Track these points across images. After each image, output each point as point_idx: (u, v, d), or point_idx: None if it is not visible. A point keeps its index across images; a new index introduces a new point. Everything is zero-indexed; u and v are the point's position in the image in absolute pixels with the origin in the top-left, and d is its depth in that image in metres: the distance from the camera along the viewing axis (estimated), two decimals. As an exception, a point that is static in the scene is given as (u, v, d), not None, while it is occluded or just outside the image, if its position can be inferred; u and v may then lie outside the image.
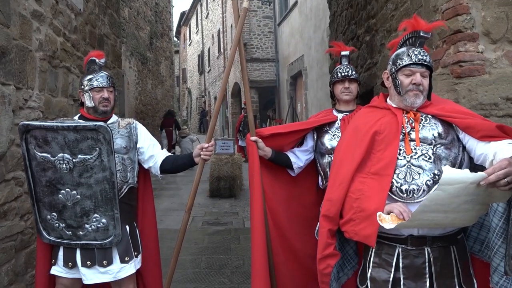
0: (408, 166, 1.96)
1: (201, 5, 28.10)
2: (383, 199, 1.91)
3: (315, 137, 2.92)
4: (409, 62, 2.00)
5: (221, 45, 22.22)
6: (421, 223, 1.79)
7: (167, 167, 2.69)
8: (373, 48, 4.58)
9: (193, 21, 31.32)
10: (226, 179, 8.31)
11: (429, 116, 2.05)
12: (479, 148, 1.93)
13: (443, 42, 2.86)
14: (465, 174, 1.56)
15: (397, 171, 1.96)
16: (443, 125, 2.01)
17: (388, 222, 1.79)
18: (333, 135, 2.84)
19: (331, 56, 6.93)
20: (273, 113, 17.71)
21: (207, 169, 8.64)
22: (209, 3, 25.58)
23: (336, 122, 2.88)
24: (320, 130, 2.90)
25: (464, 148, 2.02)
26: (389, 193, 1.94)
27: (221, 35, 22.12)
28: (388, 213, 1.85)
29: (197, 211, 7.19)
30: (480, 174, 1.56)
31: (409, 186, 1.92)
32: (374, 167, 2.00)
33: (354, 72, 2.88)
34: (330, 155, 2.80)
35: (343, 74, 2.87)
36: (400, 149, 1.99)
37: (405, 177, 1.94)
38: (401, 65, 2.03)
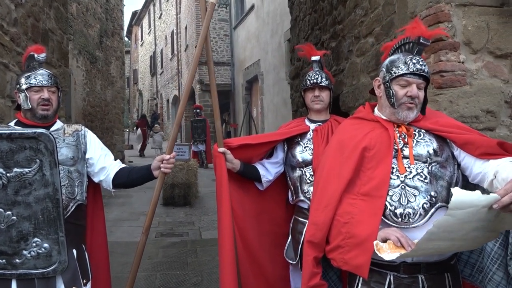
0: (403, 187, 1.76)
1: (154, 5, 27.36)
2: (376, 224, 1.71)
3: (286, 149, 2.69)
4: (406, 72, 1.81)
5: (175, 47, 21.69)
6: (425, 252, 1.60)
7: (121, 180, 2.36)
8: (339, 54, 4.44)
9: (145, 21, 30.45)
10: (180, 186, 7.92)
11: (422, 130, 1.87)
12: (476, 167, 1.78)
13: (422, 51, 2.72)
14: (477, 196, 1.37)
15: (390, 192, 1.76)
16: (437, 141, 1.84)
17: (386, 252, 1.58)
18: (305, 147, 2.62)
19: (292, 61, 6.78)
20: (228, 118, 17.46)
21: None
22: (163, 3, 24.95)
23: (308, 133, 2.66)
24: (291, 141, 2.67)
25: (458, 165, 1.86)
26: (382, 217, 1.73)
27: (175, 36, 21.60)
28: (384, 241, 1.64)
29: (150, 221, 6.75)
30: (492, 196, 1.39)
31: (404, 210, 1.73)
32: (364, 187, 1.79)
33: (325, 79, 2.67)
34: (301, 169, 2.59)
35: (312, 81, 2.66)
36: (393, 168, 1.80)
37: (399, 199, 1.74)
38: (396, 74, 1.83)
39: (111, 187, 2.37)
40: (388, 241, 1.65)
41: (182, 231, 6.32)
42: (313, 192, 2.00)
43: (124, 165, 2.44)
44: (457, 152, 1.84)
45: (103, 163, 2.35)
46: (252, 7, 14.07)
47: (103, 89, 12.57)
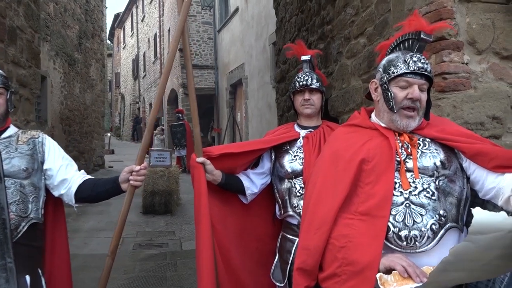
0: (407, 205, 1.51)
1: (136, 7, 26.92)
2: (378, 248, 1.45)
3: (273, 158, 2.42)
4: (406, 71, 1.58)
5: (158, 50, 21.32)
6: (438, 286, 1.34)
7: (85, 194, 2.06)
8: (328, 56, 4.20)
9: (128, 24, 29.96)
10: (161, 193, 7.59)
11: (427, 139, 1.63)
12: (489, 181, 1.55)
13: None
14: (502, 218, 1.12)
15: (393, 211, 1.51)
16: (445, 152, 1.60)
17: (392, 286, 1.32)
18: (294, 156, 2.35)
19: (277, 64, 6.54)
20: (211, 122, 17.16)
21: (140, 182, 7.88)
22: (146, 5, 24.54)
23: (298, 140, 2.40)
24: (279, 149, 2.40)
25: (467, 179, 1.62)
26: (384, 240, 1.48)
27: (158, 39, 21.23)
28: (388, 271, 1.38)
29: (128, 231, 6.40)
30: None
31: (409, 232, 1.48)
32: (363, 206, 1.54)
33: (316, 81, 2.42)
34: (290, 180, 2.32)
35: (302, 83, 2.40)
36: (395, 182, 1.55)
37: (404, 219, 1.49)
38: (395, 74, 1.59)
39: (74, 201, 2.07)
40: (393, 271, 1.40)
41: (162, 241, 5.99)
42: (304, 210, 1.73)
43: (88, 177, 2.14)
44: (466, 164, 1.62)
45: (64, 174, 2.05)
46: (236, 10, 13.83)
47: (82, 92, 12.14)
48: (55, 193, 2.07)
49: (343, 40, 3.83)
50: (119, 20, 31.24)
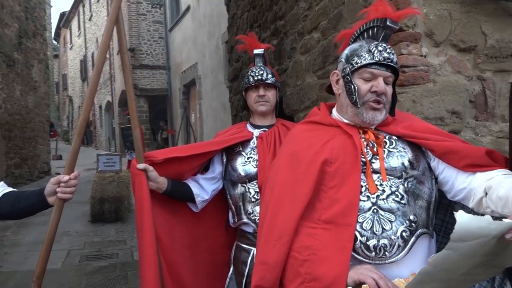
0: (375, 211, 1.36)
1: (83, 6, 25.83)
2: (345, 261, 1.30)
3: (225, 161, 2.21)
4: (371, 61, 1.42)
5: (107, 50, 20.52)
6: None
7: (4, 210, 1.75)
8: (281, 53, 4.05)
9: (74, 23, 28.70)
10: (111, 200, 7.17)
11: (394, 137, 1.49)
12: (459, 181, 1.43)
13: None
14: (487, 223, 1.00)
15: (360, 219, 1.35)
16: (412, 150, 1.46)
17: None
18: (248, 158, 2.16)
19: (230, 63, 6.34)
20: (164, 124, 16.70)
21: (88, 189, 7.43)
22: (93, 4, 23.58)
23: (252, 141, 2.21)
24: (231, 151, 2.21)
25: (436, 180, 1.50)
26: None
27: (107, 39, 20.43)
28: (358, 285, 1.23)
29: (74, 242, 6.00)
30: (507, 222, 1.02)
31: (378, 241, 1.33)
32: (327, 212, 1.37)
33: (271, 76, 2.25)
34: (244, 184, 2.14)
35: (256, 78, 2.22)
36: (361, 186, 1.39)
37: (372, 227, 1.33)
38: (359, 65, 1.43)
39: (-8, 219, 1.77)
40: (363, 285, 1.24)
41: (112, 252, 5.62)
42: (260, 220, 1.54)
43: (10, 189, 1.83)
44: (435, 163, 1.49)
45: (-21, 187, 1.74)
46: (188, 8, 13.51)
47: (24, 95, 11.38)
48: (-31, 210, 1.75)
49: (297, 35, 3.68)
50: (65, 19, 29.90)
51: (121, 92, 18.12)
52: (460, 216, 0.98)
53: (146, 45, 16.65)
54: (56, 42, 33.43)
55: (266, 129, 2.24)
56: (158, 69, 16.65)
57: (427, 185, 1.45)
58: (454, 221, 1.59)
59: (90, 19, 24.48)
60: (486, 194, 1.33)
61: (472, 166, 1.40)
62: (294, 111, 3.79)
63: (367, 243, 1.33)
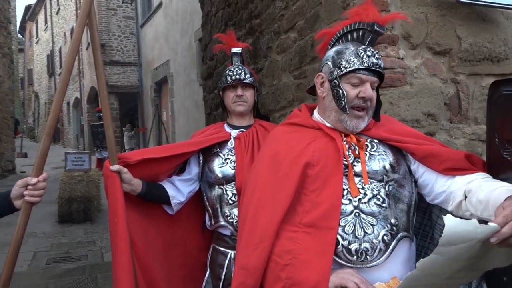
0: (357, 214, 1.35)
1: (50, -1, 25.07)
2: (327, 265, 1.28)
3: (201, 162, 2.16)
4: (360, 67, 1.40)
5: (75, 45, 19.95)
6: None
7: None
8: (257, 52, 4.02)
9: (41, 17, 27.80)
10: (80, 200, 6.97)
11: (375, 140, 1.48)
12: (439, 184, 1.44)
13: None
14: (473, 227, 1.00)
15: (342, 222, 1.33)
16: (393, 154, 1.46)
17: None
18: (225, 159, 2.12)
19: (204, 61, 6.27)
20: (136, 121, 16.40)
21: (55, 188, 7.18)
22: (61, -3, 22.91)
23: (229, 142, 2.17)
24: (208, 152, 2.16)
25: (415, 183, 1.50)
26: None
27: (75, 33, 19.87)
28: None
29: (41, 243, 5.79)
30: (491, 226, 1.03)
31: (360, 245, 1.32)
32: (308, 216, 1.35)
33: (249, 75, 2.21)
34: (222, 186, 2.09)
35: (234, 77, 2.18)
36: (343, 189, 1.37)
37: (354, 231, 1.32)
38: (347, 70, 1.41)
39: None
40: None
41: (81, 253, 5.45)
42: (240, 223, 1.51)
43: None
44: (415, 166, 1.50)
45: None
46: (160, 4, 13.30)
47: (-14, 91, 10.94)
48: None
49: (273, 34, 3.66)
50: (30, 12, 28.92)
51: (90, 88, 17.69)
52: (449, 220, 0.98)
53: (116, 41, 16.30)
54: (21, 36, 32.28)
55: (244, 130, 2.20)
56: (129, 65, 16.33)
57: (407, 188, 1.46)
58: (431, 223, 1.63)
59: (57, 13, 23.76)
60: (466, 197, 1.34)
61: (452, 170, 1.41)
62: (269, 111, 3.77)
63: (349, 247, 1.32)
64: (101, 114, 11.95)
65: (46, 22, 26.42)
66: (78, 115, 19.62)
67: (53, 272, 4.77)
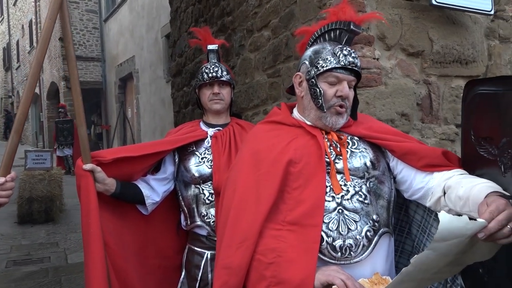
0: (340, 211, 1.37)
1: (7, -11, 23.99)
2: (312, 263, 1.28)
3: (177, 161, 2.12)
4: (336, 66, 1.42)
5: (34, 38, 19.21)
6: None
7: None
8: (229, 49, 3.98)
9: (-4, 8, 26.54)
10: (41, 200, 6.70)
11: (355, 138, 1.50)
12: (417, 180, 1.48)
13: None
14: (464, 223, 1.03)
15: (326, 219, 1.34)
16: (373, 151, 1.49)
17: None
18: (202, 158, 2.09)
19: (172, 57, 6.16)
20: (98, 118, 15.96)
21: (15, 187, 6.87)
22: (19, -12, 21.97)
23: (206, 140, 2.13)
24: (184, 151, 2.12)
25: (394, 179, 1.53)
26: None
27: (34, 26, 19.11)
28: (326, 287, 1.22)
29: (0, 245, 5.53)
30: (480, 222, 1.05)
31: (344, 241, 1.34)
32: (292, 214, 1.35)
33: (225, 73, 2.18)
34: (198, 186, 2.06)
35: (211, 74, 2.15)
36: (326, 186, 1.38)
37: (338, 227, 1.33)
38: (324, 69, 1.42)
39: None
40: (332, 287, 1.23)
41: (43, 255, 5.25)
42: (221, 223, 1.48)
43: None
44: (394, 163, 1.53)
45: None
46: (125, -2, 12.98)
47: None
48: None
49: (246, 32, 3.63)
50: (-15, 3, 27.55)
51: (51, 83, 17.06)
52: (443, 216, 1.00)
53: (78, 35, 15.76)
54: (-25, 28, 30.71)
55: (221, 128, 2.17)
56: (92, 61, 15.85)
57: (387, 184, 1.49)
58: (408, 219, 1.66)
59: (14, 4, 22.78)
60: (445, 193, 1.37)
61: (430, 166, 1.44)
62: (242, 109, 3.74)
63: (333, 243, 1.33)
64: (63, 109, 11.57)
65: (2, 13, 25.29)
66: (37, 111, 18.86)
67: (13, 275, 4.57)
